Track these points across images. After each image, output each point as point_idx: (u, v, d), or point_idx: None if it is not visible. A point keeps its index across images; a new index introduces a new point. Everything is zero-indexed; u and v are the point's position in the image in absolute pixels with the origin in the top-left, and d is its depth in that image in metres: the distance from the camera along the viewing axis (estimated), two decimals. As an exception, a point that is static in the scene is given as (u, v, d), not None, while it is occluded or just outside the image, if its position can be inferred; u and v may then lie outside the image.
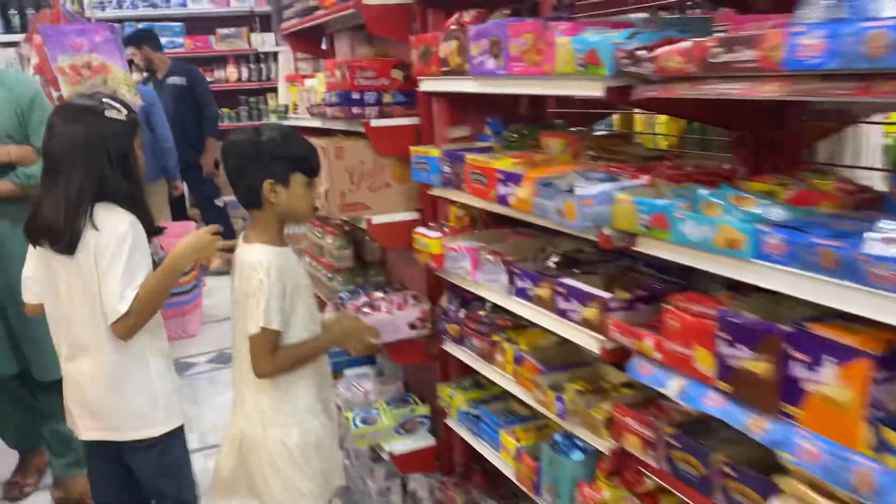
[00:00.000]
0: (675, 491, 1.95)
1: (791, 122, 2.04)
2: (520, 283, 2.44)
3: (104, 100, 2.41)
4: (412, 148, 2.91)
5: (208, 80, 8.34)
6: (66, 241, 2.31)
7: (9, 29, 8.31)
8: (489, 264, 2.56)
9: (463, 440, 3.36)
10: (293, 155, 2.36)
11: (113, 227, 2.34)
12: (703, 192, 1.75)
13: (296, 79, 3.86)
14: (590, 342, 2.14)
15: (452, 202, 2.97)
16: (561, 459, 2.38)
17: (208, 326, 6.38)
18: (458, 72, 2.49)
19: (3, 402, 3.66)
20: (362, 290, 3.29)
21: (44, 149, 2.40)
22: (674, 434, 1.92)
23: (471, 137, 3.01)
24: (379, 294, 3.18)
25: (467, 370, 2.99)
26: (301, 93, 3.68)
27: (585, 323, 2.14)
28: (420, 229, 2.94)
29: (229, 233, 6.61)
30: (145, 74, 7.56)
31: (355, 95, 2.95)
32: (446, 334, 3.01)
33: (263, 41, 9.59)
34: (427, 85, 2.83)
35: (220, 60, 9.68)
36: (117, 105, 2.40)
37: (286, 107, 3.98)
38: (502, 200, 2.33)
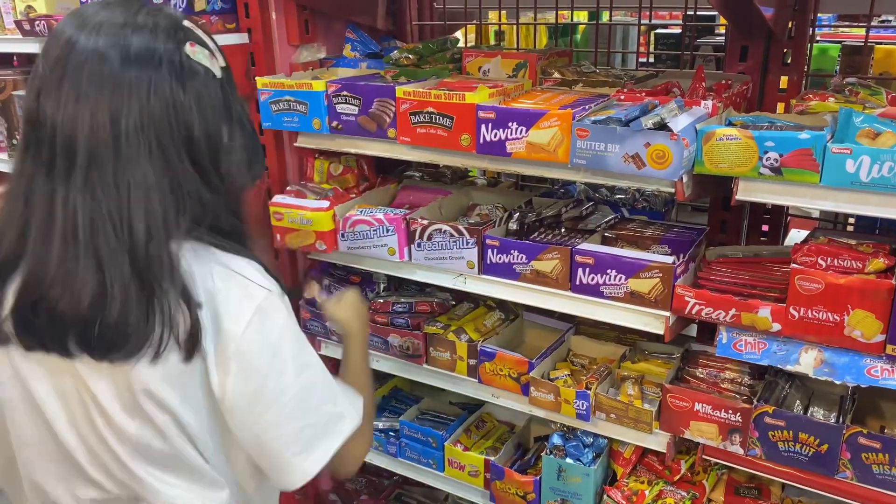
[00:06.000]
0: (774, 477, 1.66)
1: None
2: (498, 258, 1.82)
3: (186, 24, 1.06)
4: (259, 80, 1.96)
5: None
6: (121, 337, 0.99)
7: None
8: (439, 237, 1.86)
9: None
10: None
11: (243, 309, 1.05)
12: (856, 118, 1.39)
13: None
14: (646, 321, 1.68)
15: (321, 155, 2.11)
16: (577, 467, 1.90)
17: None
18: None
19: None
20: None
21: (36, 135, 1.00)
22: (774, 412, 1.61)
23: (326, 63, 2.16)
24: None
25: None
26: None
27: (633, 298, 1.67)
28: (279, 198, 2.04)
29: None
30: None
31: None
32: (327, 336, 2.21)
33: None
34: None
35: None
36: (203, 36, 1.08)
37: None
38: (491, 149, 1.65)
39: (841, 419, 1.62)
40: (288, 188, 2.10)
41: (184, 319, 0.99)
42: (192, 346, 1.00)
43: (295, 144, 2.04)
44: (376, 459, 2.28)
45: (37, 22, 2.11)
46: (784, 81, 1.81)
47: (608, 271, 1.68)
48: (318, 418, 1.09)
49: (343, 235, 1.99)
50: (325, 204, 1.97)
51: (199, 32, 1.06)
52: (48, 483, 1.13)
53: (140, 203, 0.97)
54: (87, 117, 0.96)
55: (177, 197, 1.01)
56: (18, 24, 2.19)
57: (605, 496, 1.90)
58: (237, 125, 1.09)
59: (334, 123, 1.87)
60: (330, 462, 1.12)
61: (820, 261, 1.49)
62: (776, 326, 1.52)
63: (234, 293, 1.03)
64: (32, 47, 2.17)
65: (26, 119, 1.01)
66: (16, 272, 1.00)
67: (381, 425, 2.26)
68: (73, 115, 0.96)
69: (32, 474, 1.14)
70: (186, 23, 1.06)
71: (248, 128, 1.13)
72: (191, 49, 1.03)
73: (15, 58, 2.81)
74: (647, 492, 1.87)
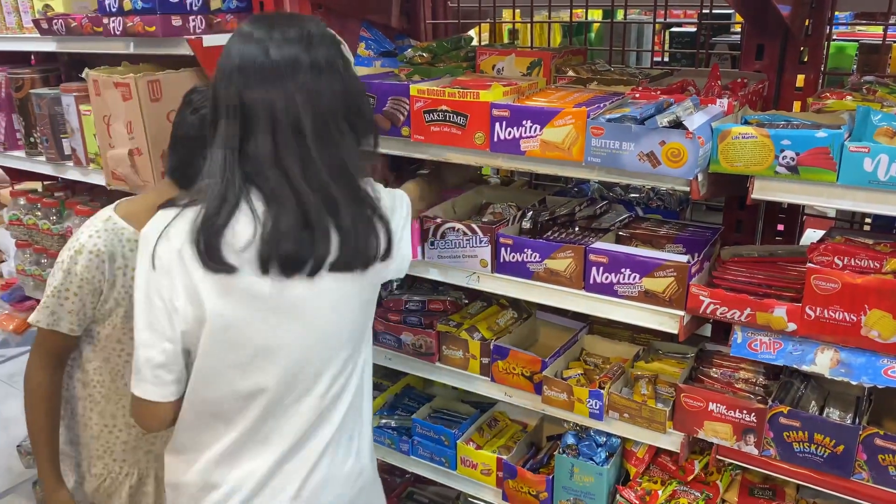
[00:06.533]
0: (789, 478, 1.64)
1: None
2: (512, 257, 1.82)
3: (331, 31, 1.47)
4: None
5: None
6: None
7: None
8: (453, 235, 1.87)
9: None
10: None
11: (404, 212, 1.61)
12: (874, 116, 1.38)
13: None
14: (660, 321, 1.67)
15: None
16: (590, 467, 1.89)
17: None
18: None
19: None
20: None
21: (246, 123, 1.33)
22: (789, 412, 1.60)
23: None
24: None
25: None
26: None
27: (647, 297, 1.66)
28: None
29: None
30: None
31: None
32: (399, 348, 2.20)
33: None
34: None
35: None
36: (339, 38, 1.49)
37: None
38: (505, 147, 1.65)
39: (857, 420, 1.61)
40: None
41: (385, 234, 1.42)
42: (388, 251, 1.44)
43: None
44: (388, 457, 2.28)
45: (54, 21, 2.13)
46: (801, 80, 1.80)
47: (622, 270, 1.68)
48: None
49: (357, 233, 2.00)
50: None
51: (337, 35, 1.42)
52: (303, 372, 1.41)
53: (350, 158, 1.35)
54: (299, 105, 1.28)
55: (360, 150, 1.40)
56: (36, 22, 2.21)
57: (617, 496, 1.89)
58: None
59: (348, 121, 1.88)
60: None
61: (836, 260, 1.48)
62: (792, 326, 1.51)
63: (389, 201, 1.52)
64: (50, 46, 2.19)
65: (232, 112, 1.28)
66: (234, 217, 1.29)
67: (393, 423, 2.27)
68: (287, 104, 1.28)
69: (285, 374, 1.39)
70: (330, 30, 1.41)
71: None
72: (344, 49, 1.42)
73: (32, 56, 2.84)
74: (660, 492, 1.86)
